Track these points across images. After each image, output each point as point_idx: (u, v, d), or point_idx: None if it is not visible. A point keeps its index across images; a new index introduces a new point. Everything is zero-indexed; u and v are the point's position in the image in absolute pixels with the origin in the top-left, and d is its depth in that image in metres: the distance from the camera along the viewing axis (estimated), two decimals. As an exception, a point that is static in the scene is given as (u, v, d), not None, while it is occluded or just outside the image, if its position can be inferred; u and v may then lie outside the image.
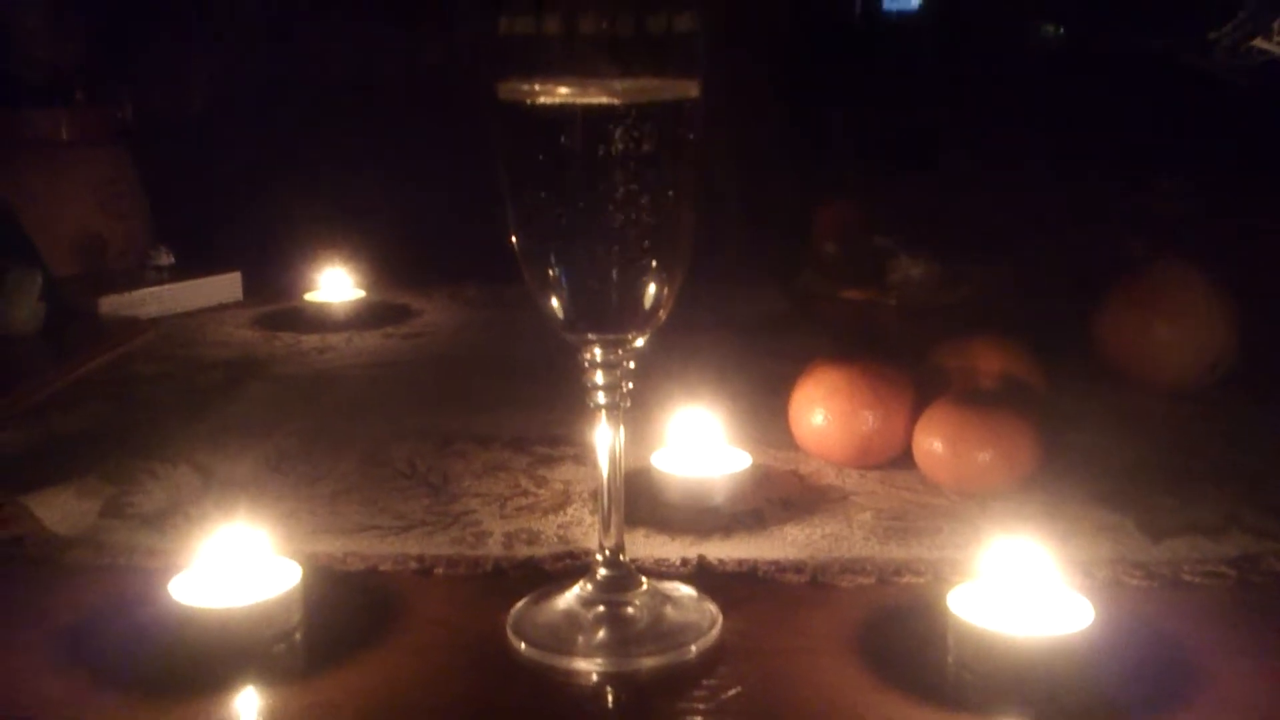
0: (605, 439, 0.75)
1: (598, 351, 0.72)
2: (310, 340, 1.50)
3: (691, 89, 0.70)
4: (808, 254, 1.54)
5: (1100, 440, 1.07)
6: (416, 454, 1.07)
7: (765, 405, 1.12)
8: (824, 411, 1.00)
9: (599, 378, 0.73)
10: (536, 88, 0.67)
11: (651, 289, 0.71)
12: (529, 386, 1.25)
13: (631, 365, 0.73)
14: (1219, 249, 1.33)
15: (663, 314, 0.72)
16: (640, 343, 0.73)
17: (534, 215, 0.70)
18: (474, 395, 1.27)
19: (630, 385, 0.73)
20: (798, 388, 1.03)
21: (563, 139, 0.67)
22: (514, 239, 0.72)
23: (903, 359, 1.06)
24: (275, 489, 0.99)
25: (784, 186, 1.90)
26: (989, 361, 1.03)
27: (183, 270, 1.70)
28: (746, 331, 1.49)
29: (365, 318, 1.59)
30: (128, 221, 1.76)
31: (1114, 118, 1.95)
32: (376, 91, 2.20)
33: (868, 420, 0.99)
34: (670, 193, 0.69)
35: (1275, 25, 1.90)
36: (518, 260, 0.73)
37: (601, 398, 0.73)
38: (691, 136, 0.70)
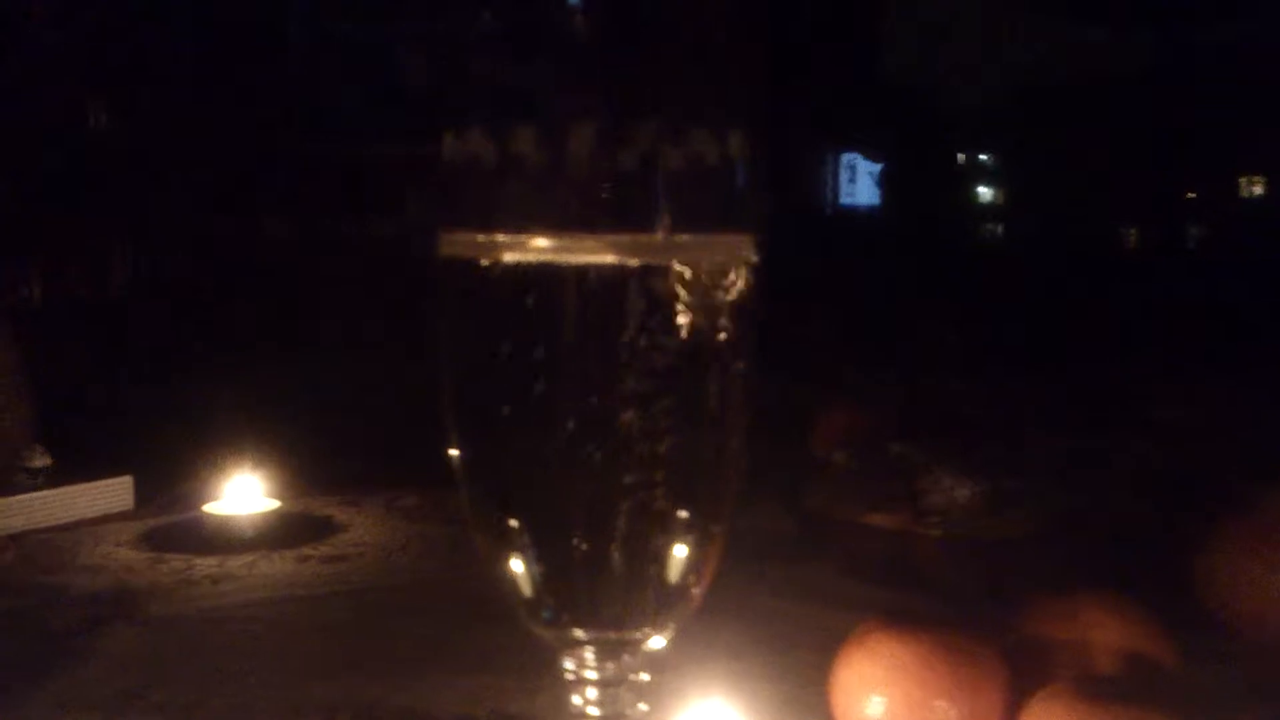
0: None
1: (589, 659, 0.45)
2: (204, 565, 1.21)
3: (747, 247, 0.45)
4: (812, 465, 1.29)
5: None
6: (319, 746, 0.78)
7: (779, 674, 0.87)
8: (884, 700, 0.73)
9: (590, 702, 0.45)
10: (501, 239, 0.41)
11: (680, 555, 0.44)
12: (478, 633, 0.97)
13: (645, 678, 0.46)
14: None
15: (696, 593, 0.46)
16: (658, 643, 0.46)
17: (491, 436, 0.44)
18: (405, 647, 0.99)
19: (643, 708, 0.46)
20: (844, 662, 0.76)
21: (542, 322, 0.41)
22: (457, 471, 0.46)
23: (972, 617, 0.80)
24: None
25: (775, 384, 1.66)
26: (1104, 631, 0.77)
27: (62, 474, 1.42)
28: (744, 561, 1.22)
29: (276, 535, 1.31)
30: (2, 414, 1.48)
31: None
32: (307, 273, 1.98)
33: (946, 714, 0.72)
34: (712, 404, 0.43)
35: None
36: (462, 506, 0.47)
37: (595, 734, 0.45)
38: (748, 319, 0.44)
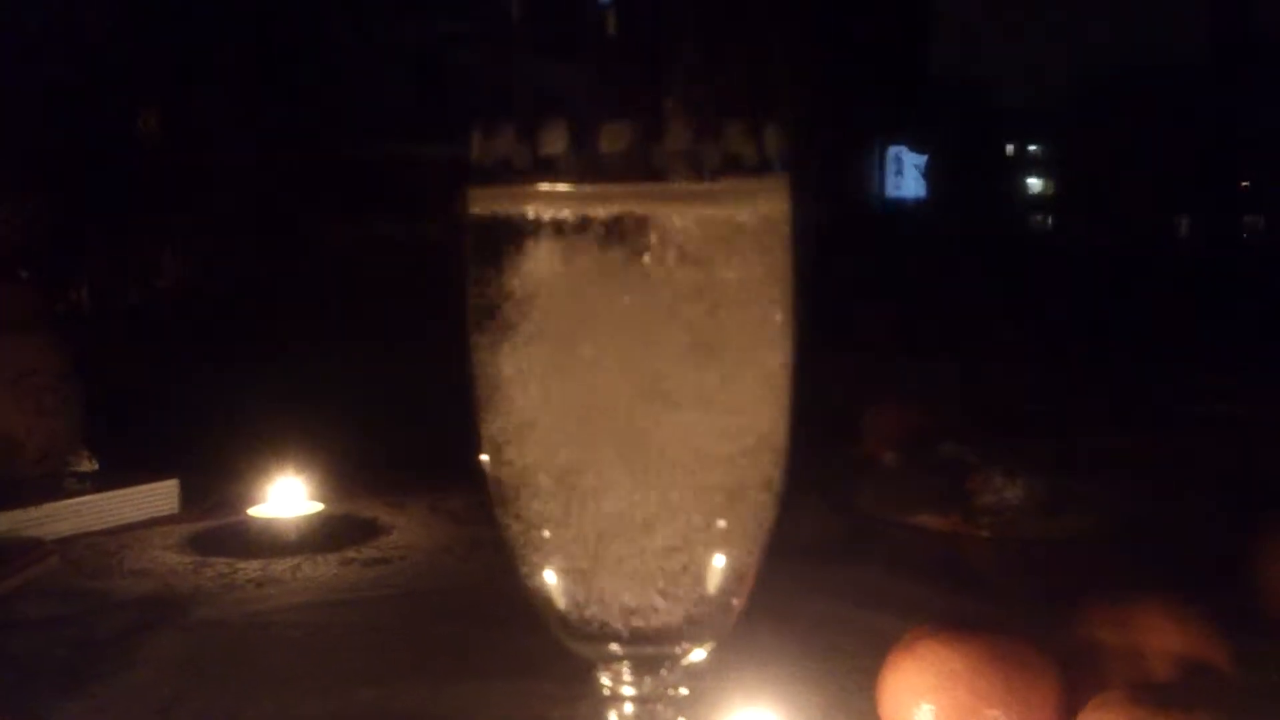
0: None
1: (625, 674, 0.44)
2: (248, 569, 1.20)
3: (778, 190, 0.43)
4: (861, 465, 1.27)
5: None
6: (359, 755, 0.78)
7: (825, 681, 0.85)
8: (934, 708, 0.71)
9: (626, 718, 0.44)
10: (527, 189, 0.40)
11: (723, 556, 0.43)
12: (523, 638, 0.95)
13: (683, 693, 0.44)
14: None
15: (737, 602, 0.44)
16: (698, 656, 0.44)
17: (511, 416, 0.43)
18: (449, 651, 0.98)
19: (681, 722, 0.45)
20: (892, 668, 0.74)
21: (572, 279, 0.40)
22: (483, 457, 0.45)
23: (1024, 621, 0.78)
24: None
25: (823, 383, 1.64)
26: (1160, 636, 0.74)
27: (108, 478, 1.42)
28: (790, 562, 1.20)
29: (321, 538, 1.30)
30: (50, 419, 1.48)
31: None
32: (352, 275, 1.98)
33: (997, 723, 0.70)
34: (758, 373, 0.42)
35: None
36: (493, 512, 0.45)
37: (631, 754, 0.44)
38: (790, 273, 0.43)
